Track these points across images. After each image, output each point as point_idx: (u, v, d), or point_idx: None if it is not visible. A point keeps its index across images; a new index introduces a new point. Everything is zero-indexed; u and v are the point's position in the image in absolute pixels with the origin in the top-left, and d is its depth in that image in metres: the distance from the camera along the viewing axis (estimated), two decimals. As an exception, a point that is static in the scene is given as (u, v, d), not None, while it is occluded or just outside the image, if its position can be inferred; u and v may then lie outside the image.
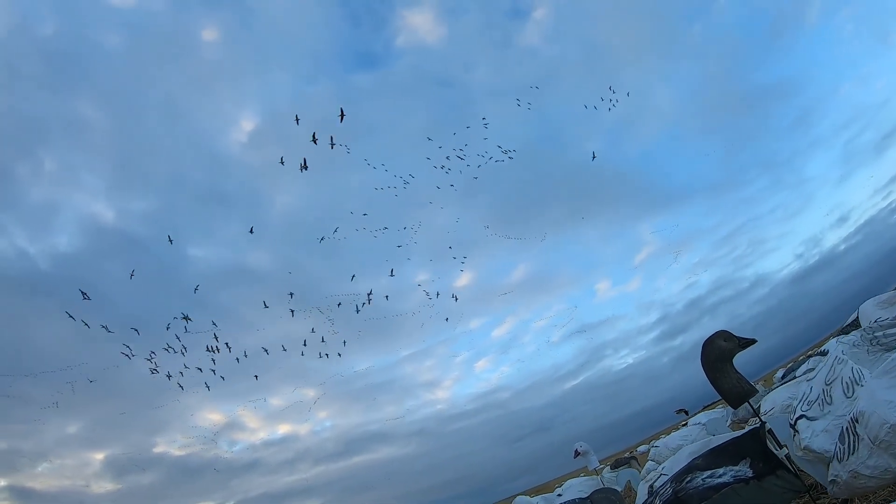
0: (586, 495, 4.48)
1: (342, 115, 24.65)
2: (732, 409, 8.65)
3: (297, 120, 26.08)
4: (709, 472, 3.02)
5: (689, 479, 3.05)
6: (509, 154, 35.72)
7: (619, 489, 5.97)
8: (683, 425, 10.49)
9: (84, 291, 26.68)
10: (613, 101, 36.22)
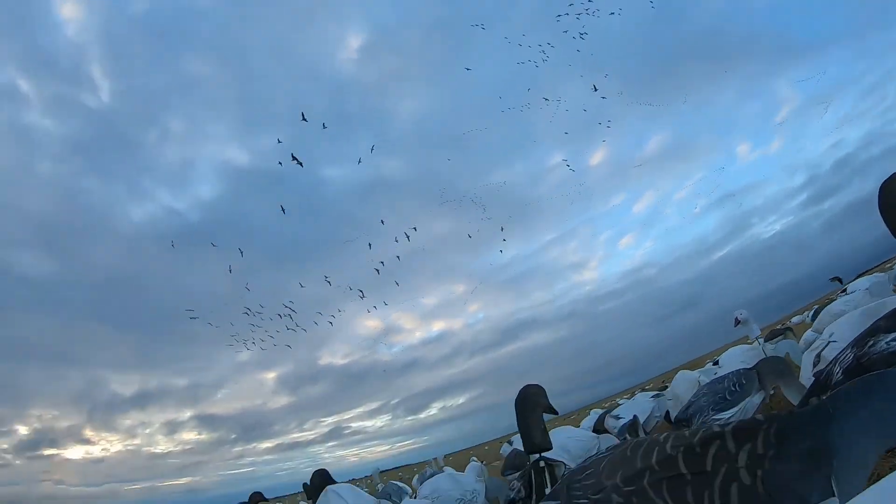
0: (750, 366, 4.38)
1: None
2: (895, 274, 8.08)
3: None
4: (893, 335, 2.83)
5: (871, 342, 2.87)
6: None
7: (781, 360, 5.79)
8: (842, 293, 9.96)
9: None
10: None
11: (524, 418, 3.41)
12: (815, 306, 12.21)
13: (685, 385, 6.06)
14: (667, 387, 7.57)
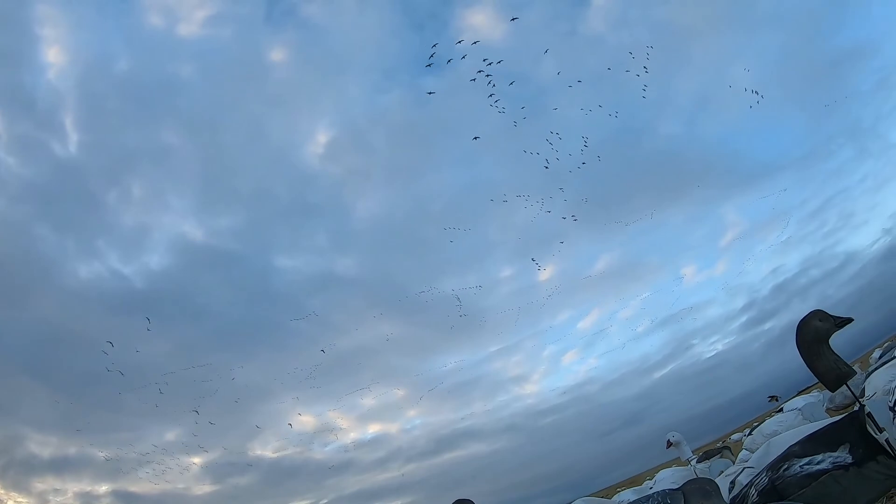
0: (678, 486, 4.41)
1: None
2: (829, 394, 8.35)
3: None
4: (807, 459, 2.93)
5: (786, 466, 2.97)
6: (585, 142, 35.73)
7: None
8: (778, 412, 10.19)
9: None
10: (758, 99, 36.04)
11: None
12: (755, 424, 12.40)
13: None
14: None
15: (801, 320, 3.30)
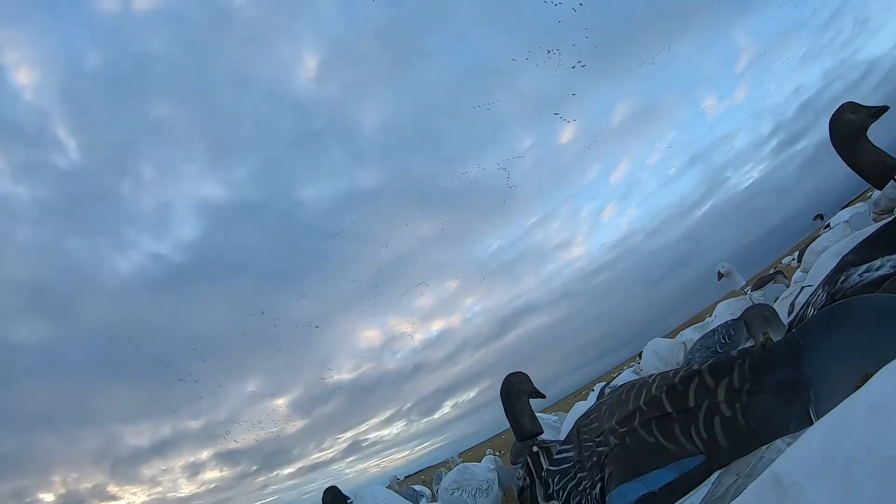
0: (738, 317, 4.38)
1: None
2: (874, 200, 8.10)
3: None
4: (864, 267, 2.78)
5: (842, 278, 2.84)
6: None
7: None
8: (826, 228, 9.99)
9: None
10: None
11: (511, 407, 3.39)
12: (803, 246, 12.27)
13: (657, 352, 6.11)
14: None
15: (833, 115, 3.05)
